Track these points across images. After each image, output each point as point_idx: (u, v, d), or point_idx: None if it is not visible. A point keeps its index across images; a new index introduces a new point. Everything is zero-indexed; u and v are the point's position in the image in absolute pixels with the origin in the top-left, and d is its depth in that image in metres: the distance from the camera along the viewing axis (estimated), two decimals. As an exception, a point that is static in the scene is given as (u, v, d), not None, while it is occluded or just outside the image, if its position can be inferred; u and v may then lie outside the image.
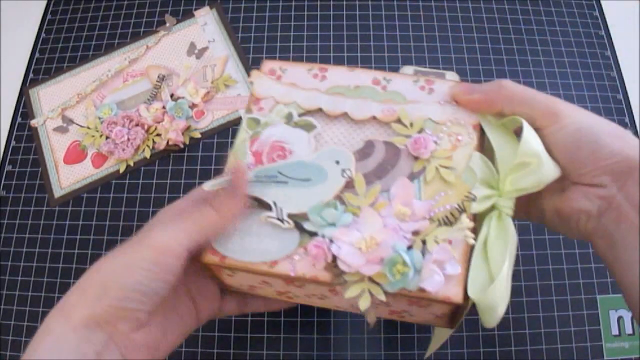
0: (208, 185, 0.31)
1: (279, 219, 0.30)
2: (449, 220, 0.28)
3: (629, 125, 0.53)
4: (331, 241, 0.28)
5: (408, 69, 0.35)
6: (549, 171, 0.29)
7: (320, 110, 0.33)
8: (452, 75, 0.34)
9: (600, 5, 0.59)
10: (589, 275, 0.47)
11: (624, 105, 0.54)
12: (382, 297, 0.27)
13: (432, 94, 0.33)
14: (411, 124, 0.32)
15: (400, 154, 0.31)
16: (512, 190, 0.29)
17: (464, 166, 0.30)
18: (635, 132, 0.52)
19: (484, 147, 0.32)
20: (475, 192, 0.29)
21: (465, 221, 0.28)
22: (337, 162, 0.30)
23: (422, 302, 0.28)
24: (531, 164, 0.29)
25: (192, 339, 0.45)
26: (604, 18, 0.58)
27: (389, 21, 0.57)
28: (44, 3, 0.62)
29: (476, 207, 0.29)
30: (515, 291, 0.46)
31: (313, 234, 0.29)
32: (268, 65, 0.35)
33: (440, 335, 0.35)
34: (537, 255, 0.47)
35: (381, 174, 0.31)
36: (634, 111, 0.53)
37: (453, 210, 0.29)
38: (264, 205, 0.30)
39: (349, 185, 0.30)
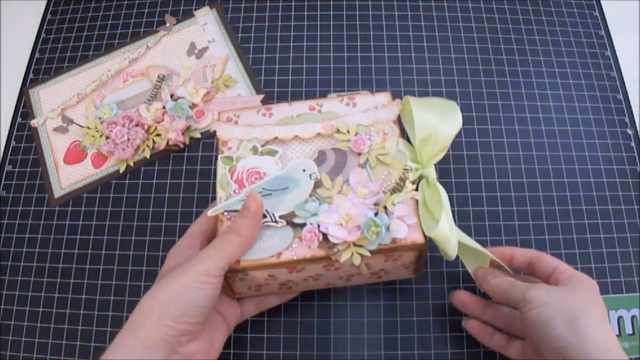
0: (211, 211, 0.39)
1: (273, 222, 0.37)
2: (397, 189, 0.38)
3: (629, 125, 0.53)
4: (318, 225, 0.37)
5: (332, 95, 0.46)
6: (444, 136, 0.40)
7: (276, 138, 0.41)
8: (364, 93, 0.45)
9: (600, 5, 0.59)
10: (589, 275, 0.46)
11: (624, 105, 0.54)
12: (367, 254, 0.36)
13: (356, 107, 0.42)
14: (348, 131, 0.41)
15: (347, 154, 0.40)
16: (429, 160, 0.40)
17: (394, 151, 0.40)
18: (636, 132, 0.52)
19: (405, 134, 0.43)
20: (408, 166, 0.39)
21: (409, 185, 0.38)
22: (304, 170, 0.39)
23: (395, 255, 0.38)
24: (430, 136, 0.40)
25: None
26: (604, 18, 0.58)
27: (389, 21, 0.57)
28: (44, 3, 0.62)
29: (411, 176, 0.39)
30: (515, 291, 0.46)
31: (302, 225, 0.37)
32: (224, 115, 0.43)
33: (472, 254, 0.42)
34: (537, 255, 0.47)
35: (338, 171, 0.40)
36: (634, 111, 0.53)
37: (398, 181, 0.38)
38: None
39: (318, 184, 0.39)
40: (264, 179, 0.39)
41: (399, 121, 0.42)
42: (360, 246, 0.36)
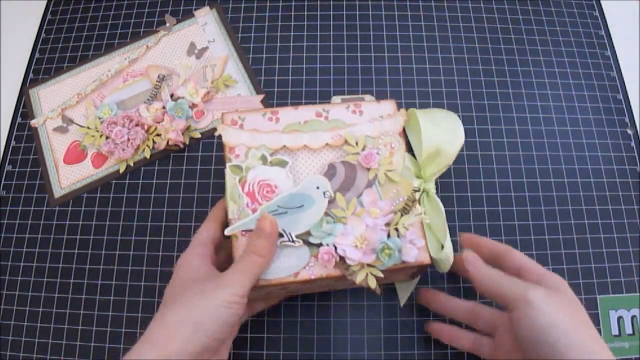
0: (228, 230, 0.38)
1: (290, 241, 0.38)
2: (406, 210, 0.39)
3: (629, 125, 0.53)
4: (335, 247, 0.37)
5: (336, 99, 0.46)
6: (449, 153, 0.41)
7: (284, 147, 0.41)
8: (369, 98, 0.45)
9: (600, 5, 0.59)
10: (589, 275, 0.47)
11: (624, 105, 0.54)
12: (380, 274, 0.37)
13: (362, 115, 0.42)
14: (356, 143, 0.41)
15: (357, 169, 0.40)
16: (431, 175, 0.41)
17: (401, 166, 0.40)
18: (636, 132, 0.52)
19: (409, 146, 0.43)
20: (415, 185, 0.40)
21: (418, 208, 0.39)
22: (318, 188, 0.39)
23: (400, 269, 0.39)
24: (437, 153, 0.40)
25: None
26: (604, 18, 0.58)
27: (389, 21, 0.57)
28: (44, 3, 0.62)
29: (418, 195, 0.40)
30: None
31: (319, 245, 0.38)
32: (228, 117, 0.42)
33: (407, 287, 0.45)
34: (537, 255, 0.47)
35: (348, 187, 0.40)
36: (634, 111, 0.53)
37: (407, 202, 0.39)
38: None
39: (331, 201, 0.39)
40: (277, 194, 0.39)
41: (403, 132, 0.42)
42: (374, 266, 0.37)
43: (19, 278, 0.49)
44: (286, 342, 0.45)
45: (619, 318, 0.45)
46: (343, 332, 0.45)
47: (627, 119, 0.53)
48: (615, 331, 0.45)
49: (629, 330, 0.45)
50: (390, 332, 0.45)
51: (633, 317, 0.45)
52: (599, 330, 0.45)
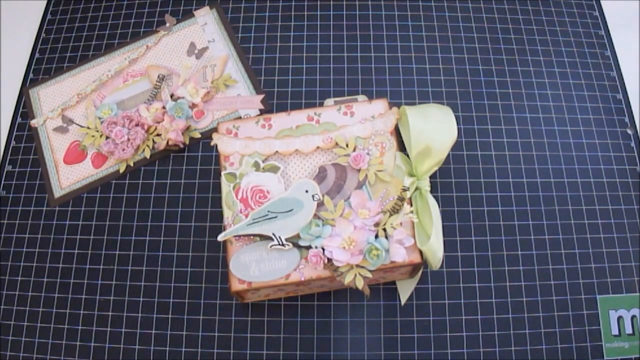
0: (220, 237, 0.40)
1: (280, 245, 0.39)
2: (395, 210, 0.39)
3: (629, 125, 0.53)
4: (323, 249, 0.38)
5: (329, 101, 0.47)
6: (441, 148, 0.40)
7: (277, 152, 0.42)
8: (362, 98, 0.46)
9: (600, 5, 0.59)
10: (589, 275, 0.47)
11: (624, 105, 0.54)
12: (369, 275, 0.38)
13: (354, 116, 0.43)
14: (347, 145, 0.41)
15: (347, 170, 0.41)
16: (424, 173, 0.41)
17: (392, 165, 0.41)
18: (636, 132, 0.52)
19: (400, 143, 0.43)
20: (406, 184, 0.40)
21: (407, 208, 0.39)
22: (307, 191, 0.40)
23: (394, 269, 0.40)
24: (427, 149, 0.40)
25: (192, 339, 0.45)
26: (604, 18, 0.58)
27: (389, 21, 0.57)
28: (44, 3, 0.62)
29: (408, 194, 0.40)
30: (515, 291, 0.46)
31: (308, 247, 0.39)
32: (223, 126, 0.43)
33: (408, 286, 0.45)
34: (537, 255, 0.47)
35: (339, 189, 0.41)
36: (634, 111, 0.53)
37: (396, 201, 0.39)
38: (266, 237, 0.40)
39: (320, 204, 0.40)
40: (267, 198, 0.40)
41: (396, 130, 0.42)
42: (362, 267, 0.38)
43: (19, 278, 0.49)
44: (286, 342, 0.45)
45: (619, 318, 0.45)
46: (343, 332, 0.45)
47: (627, 119, 0.53)
48: (615, 331, 0.45)
49: (629, 330, 0.45)
50: (390, 332, 0.45)
51: (633, 317, 0.45)
52: (599, 331, 0.45)
